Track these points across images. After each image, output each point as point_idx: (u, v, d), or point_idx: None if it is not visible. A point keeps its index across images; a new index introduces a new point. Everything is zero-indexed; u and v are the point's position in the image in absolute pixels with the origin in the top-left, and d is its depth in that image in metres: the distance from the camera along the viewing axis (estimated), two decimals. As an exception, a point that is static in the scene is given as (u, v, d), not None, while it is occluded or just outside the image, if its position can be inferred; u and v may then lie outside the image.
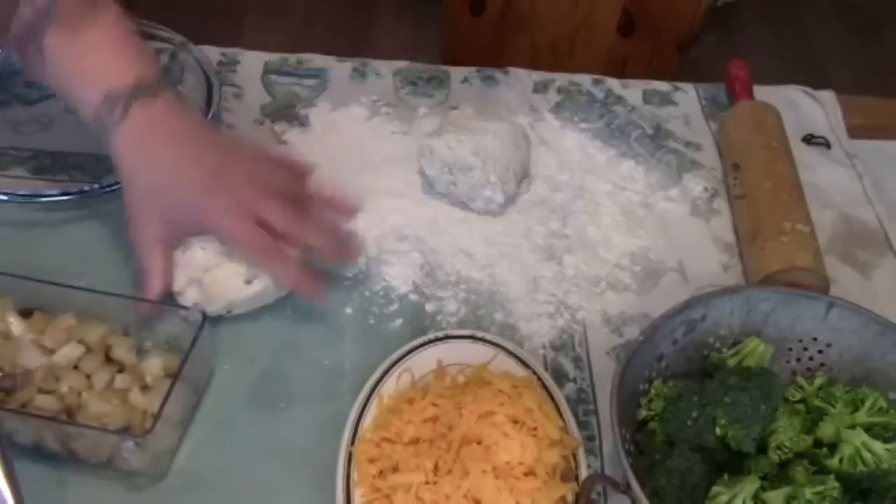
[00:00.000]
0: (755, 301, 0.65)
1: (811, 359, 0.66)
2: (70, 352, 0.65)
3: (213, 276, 0.69)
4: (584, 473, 0.61)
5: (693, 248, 0.82)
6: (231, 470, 0.64)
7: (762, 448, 0.60)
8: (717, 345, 0.67)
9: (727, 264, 0.81)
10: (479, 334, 0.71)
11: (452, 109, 0.89)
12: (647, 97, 0.98)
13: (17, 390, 0.62)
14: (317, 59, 0.98)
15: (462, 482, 0.57)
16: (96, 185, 0.79)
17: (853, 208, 0.87)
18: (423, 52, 1.22)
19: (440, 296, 0.76)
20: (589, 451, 0.66)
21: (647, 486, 0.57)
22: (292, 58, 0.98)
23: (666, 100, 0.98)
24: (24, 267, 0.68)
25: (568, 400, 0.66)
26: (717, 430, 0.59)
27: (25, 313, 0.67)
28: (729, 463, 0.60)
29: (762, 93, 0.95)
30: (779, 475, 0.58)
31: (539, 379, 0.67)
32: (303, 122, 0.91)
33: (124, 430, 0.61)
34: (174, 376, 0.61)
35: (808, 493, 0.55)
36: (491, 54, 1.45)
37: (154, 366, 0.65)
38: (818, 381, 0.64)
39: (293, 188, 0.72)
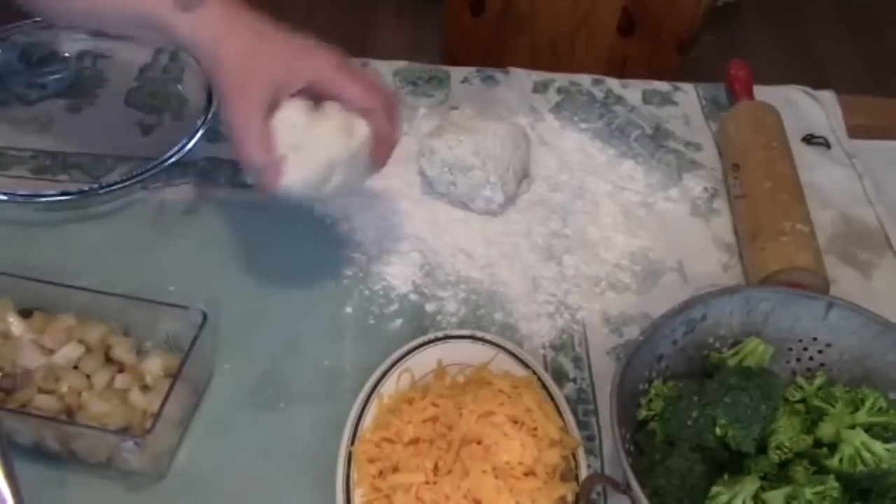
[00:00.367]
0: (755, 301, 0.65)
1: (811, 359, 0.66)
2: (70, 352, 0.65)
3: (313, 132, 0.64)
4: (583, 473, 0.61)
5: (693, 248, 0.82)
6: (231, 470, 0.64)
7: (762, 448, 0.60)
8: (717, 345, 0.67)
9: (727, 264, 0.81)
10: (479, 334, 0.71)
11: (452, 109, 0.89)
12: (647, 97, 0.98)
13: (17, 390, 0.62)
14: (317, 59, 0.98)
15: (462, 482, 0.57)
16: (96, 185, 0.80)
17: (853, 208, 0.87)
18: (423, 52, 1.22)
19: (440, 296, 0.76)
20: (589, 451, 0.66)
21: (647, 486, 0.57)
22: (292, 58, 0.98)
23: (666, 100, 0.98)
24: (24, 267, 0.68)
25: (568, 400, 0.66)
26: (717, 430, 0.59)
27: (25, 313, 0.67)
28: (729, 463, 0.60)
29: (762, 93, 0.95)
30: (779, 475, 0.58)
31: (539, 379, 0.67)
32: (303, 122, 0.90)
33: (124, 430, 0.61)
34: (174, 376, 0.61)
35: (808, 493, 0.55)
36: (491, 54, 1.45)
37: (154, 366, 0.65)
38: (818, 381, 0.64)
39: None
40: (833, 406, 0.62)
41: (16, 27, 0.93)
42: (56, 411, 0.62)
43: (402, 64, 0.99)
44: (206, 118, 0.85)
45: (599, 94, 0.97)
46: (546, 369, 0.71)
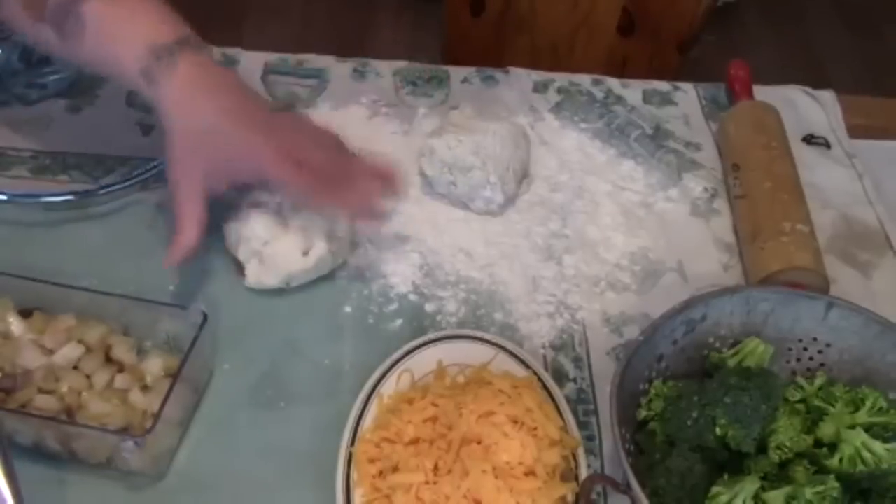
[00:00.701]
0: (755, 301, 0.65)
1: (811, 359, 0.66)
2: (70, 352, 0.65)
3: (273, 248, 0.72)
4: (584, 473, 0.61)
5: (693, 248, 0.82)
6: (231, 470, 0.64)
7: (762, 448, 0.60)
8: (717, 345, 0.67)
9: (727, 264, 0.81)
10: (479, 334, 0.71)
11: (452, 109, 0.89)
12: (647, 97, 0.98)
13: (17, 390, 0.62)
14: (316, 60, 0.99)
15: (462, 482, 0.57)
16: (96, 186, 0.80)
17: (853, 208, 0.87)
18: (423, 52, 1.22)
19: (440, 296, 0.76)
20: (589, 451, 0.66)
21: (647, 486, 0.57)
22: (292, 58, 0.98)
23: (666, 100, 0.98)
24: (24, 267, 0.68)
25: (568, 400, 0.66)
26: (717, 430, 0.59)
27: (25, 313, 0.67)
28: (729, 463, 0.60)
29: (762, 93, 0.95)
30: (779, 475, 0.58)
31: (539, 379, 0.67)
32: (303, 122, 0.91)
33: (124, 430, 0.61)
34: (174, 376, 0.61)
35: (808, 493, 0.55)
36: (491, 54, 1.45)
37: (154, 366, 0.65)
38: (818, 381, 0.64)
39: (336, 148, 0.73)
40: (833, 406, 0.62)
41: (16, 27, 0.93)
42: (56, 411, 0.62)
43: (402, 64, 0.99)
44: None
45: (599, 94, 0.97)
46: (546, 369, 0.71)
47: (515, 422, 0.60)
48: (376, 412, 0.65)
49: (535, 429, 0.61)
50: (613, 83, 0.99)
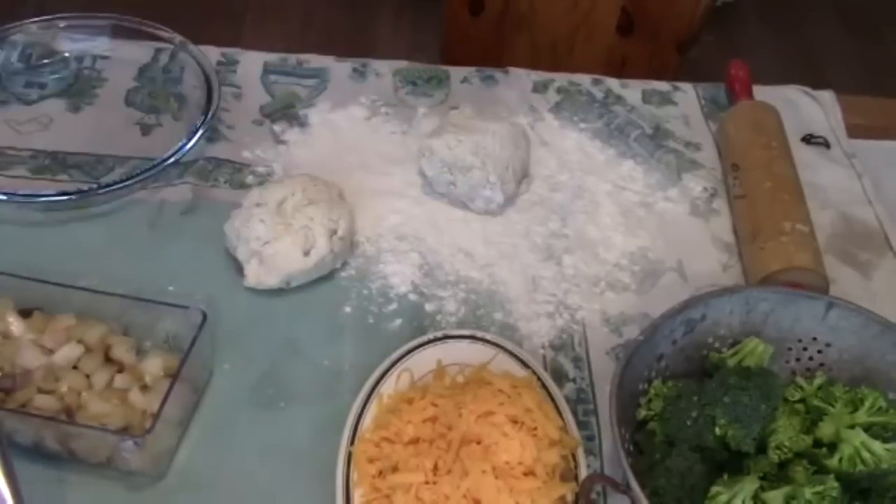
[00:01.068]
0: (755, 301, 0.65)
1: (811, 359, 0.66)
2: (70, 352, 0.65)
3: (273, 248, 0.72)
4: (583, 473, 0.61)
5: (692, 248, 0.82)
6: (231, 470, 0.64)
7: (762, 448, 0.60)
8: (717, 345, 0.67)
9: (727, 264, 0.81)
10: (479, 334, 0.71)
11: (452, 109, 0.89)
12: (647, 97, 0.98)
13: (16, 390, 0.62)
14: (316, 59, 0.98)
15: (462, 482, 0.57)
16: (96, 185, 0.80)
17: (853, 208, 0.87)
18: (423, 52, 1.23)
19: (440, 295, 0.76)
20: (588, 451, 0.66)
21: (647, 486, 0.57)
22: (292, 58, 0.98)
23: (665, 100, 0.98)
24: (24, 267, 0.68)
25: (567, 400, 0.66)
26: (717, 430, 0.59)
27: (25, 313, 0.67)
28: (728, 463, 0.60)
29: (762, 93, 0.95)
30: (778, 475, 0.58)
31: (539, 379, 0.67)
32: (302, 122, 0.91)
33: (124, 430, 0.61)
34: (174, 376, 0.61)
35: (808, 492, 0.55)
36: (490, 54, 1.45)
37: (154, 366, 0.65)
38: (818, 381, 0.64)
39: None
40: (833, 406, 0.62)
41: (16, 27, 0.93)
42: (56, 411, 0.62)
43: (402, 64, 0.99)
44: (205, 118, 0.85)
45: (599, 94, 0.97)
46: (546, 369, 0.71)
47: (515, 422, 0.60)
48: (376, 412, 0.65)
49: (535, 429, 0.61)
50: (613, 83, 0.99)
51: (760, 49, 2.30)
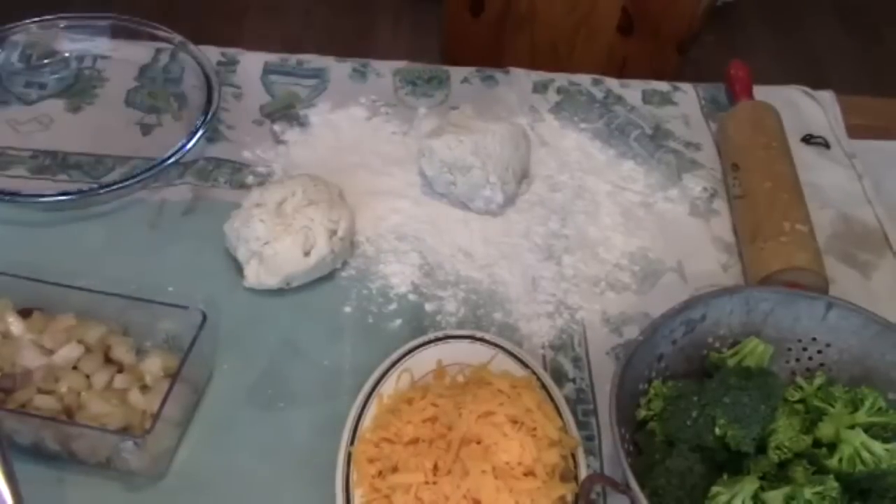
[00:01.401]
0: (755, 301, 0.65)
1: (811, 359, 0.66)
2: (69, 352, 0.65)
3: (273, 248, 0.72)
4: (583, 473, 0.61)
5: (692, 248, 0.82)
6: (230, 470, 0.64)
7: (762, 448, 0.60)
8: (717, 345, 0.67)
9: (726, 264, 0.81)
10: (479, 334, 0.71)
11: (452, 109, 0.89)
12: (647, 97, 0.98)
13: (16, 390, 0.62)
14: (316, 60, 0.99)
15: (461, 482, 0.57)
16: (96, 185, 0.80)
17: (852, 208, 0.87)
18: (423, 52, 1.22)
19: (439, 295, 0.76)
20: (588, 451, 0.66)
21: (647, 486, 0.57)
22: (292, 58, 0.98)
23: (665, 100, 0.98)
24: (24, 267, 0.68)
25: (567, 400, 0.66)
26: (717, 430, 0.59)
27: (25, 313, 0.67)
28: (728, 463, 0.60)
29: (762, 93, 0.95)
30: (778, 475, 0.58)
31: (538, 379, 0.67)
32: (302, 122, 0.91)
33: (124, 431, 0.61)
34: (174, 376, 0.61)
35: (808, 493, 0.55)
36: (490, 54, 1.45)
37: (153, 366, 0.65)
38: (817, 381, 0.64)
39: None
40: (832, 406, 0.62)
41: (16, 27, 0.93)
42: (55, 411, 0.62)
43: (402, 64, 0.99)
44: (206, 118, 0.85)
45: (599, 94, 0.97)
46: (545, 369, 0.71)
47: (515, 422, 0.60)
48: (376, 412, 0.65)
49: (535, 429, 0.61)
50: (613, 83, 0.99)
51: (760, 49, 2.30)
